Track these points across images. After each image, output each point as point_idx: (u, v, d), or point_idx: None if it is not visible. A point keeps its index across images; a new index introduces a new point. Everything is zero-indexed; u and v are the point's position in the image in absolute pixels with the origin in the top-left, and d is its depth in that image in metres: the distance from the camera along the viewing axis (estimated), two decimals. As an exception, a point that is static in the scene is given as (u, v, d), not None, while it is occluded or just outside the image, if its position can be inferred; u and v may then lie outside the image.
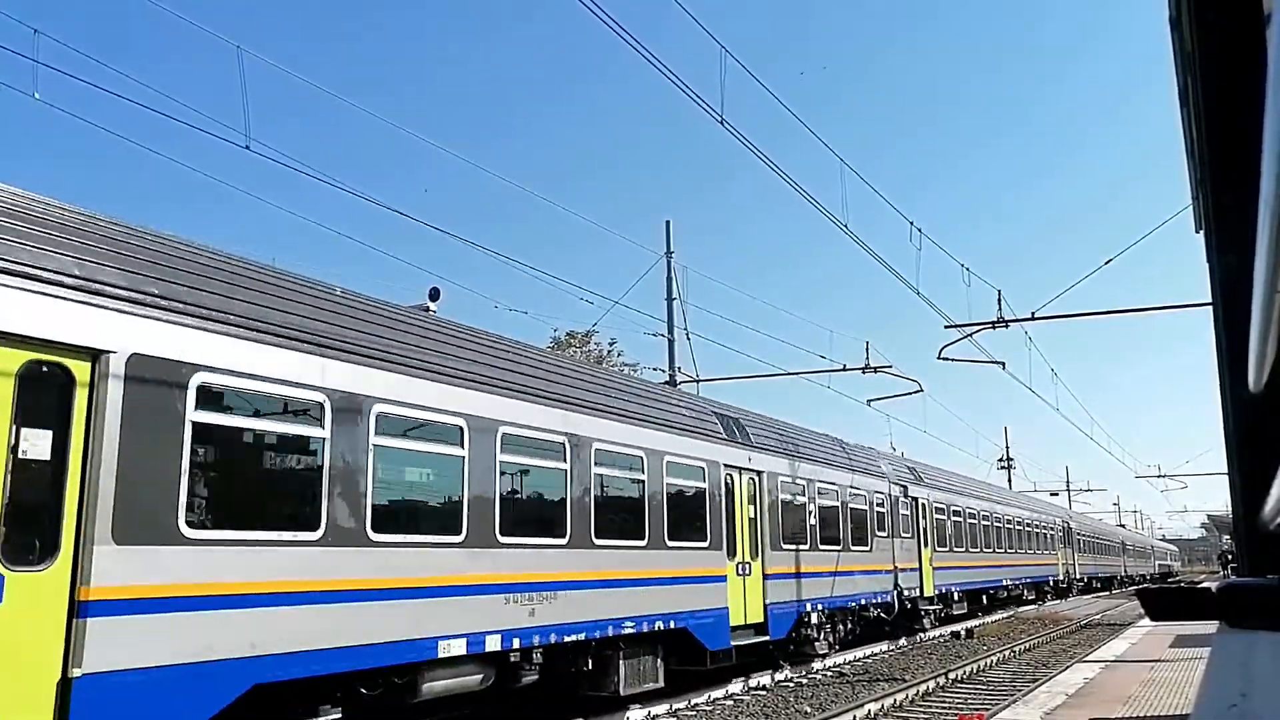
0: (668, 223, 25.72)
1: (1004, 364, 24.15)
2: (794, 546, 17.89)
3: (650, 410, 13.89)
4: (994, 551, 32.93)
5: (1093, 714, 10.83)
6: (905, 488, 24.77)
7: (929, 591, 25.55)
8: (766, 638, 16.30)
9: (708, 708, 14.56)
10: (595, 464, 12.25)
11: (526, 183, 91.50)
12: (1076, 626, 30.30)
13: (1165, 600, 2.85)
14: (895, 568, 23.28)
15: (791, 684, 17.23)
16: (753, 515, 16.59)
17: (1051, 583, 42.79)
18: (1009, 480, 60.41)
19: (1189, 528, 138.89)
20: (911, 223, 19.01)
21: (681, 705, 14.33)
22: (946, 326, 21.15)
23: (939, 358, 22.66)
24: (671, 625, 13.50)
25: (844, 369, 26.51)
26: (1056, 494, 72.27)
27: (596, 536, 12.08)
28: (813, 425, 25.69)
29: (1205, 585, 2.78)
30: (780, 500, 17.51)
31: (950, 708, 14.82)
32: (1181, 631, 19.50)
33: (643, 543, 13.12)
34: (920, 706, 15.13)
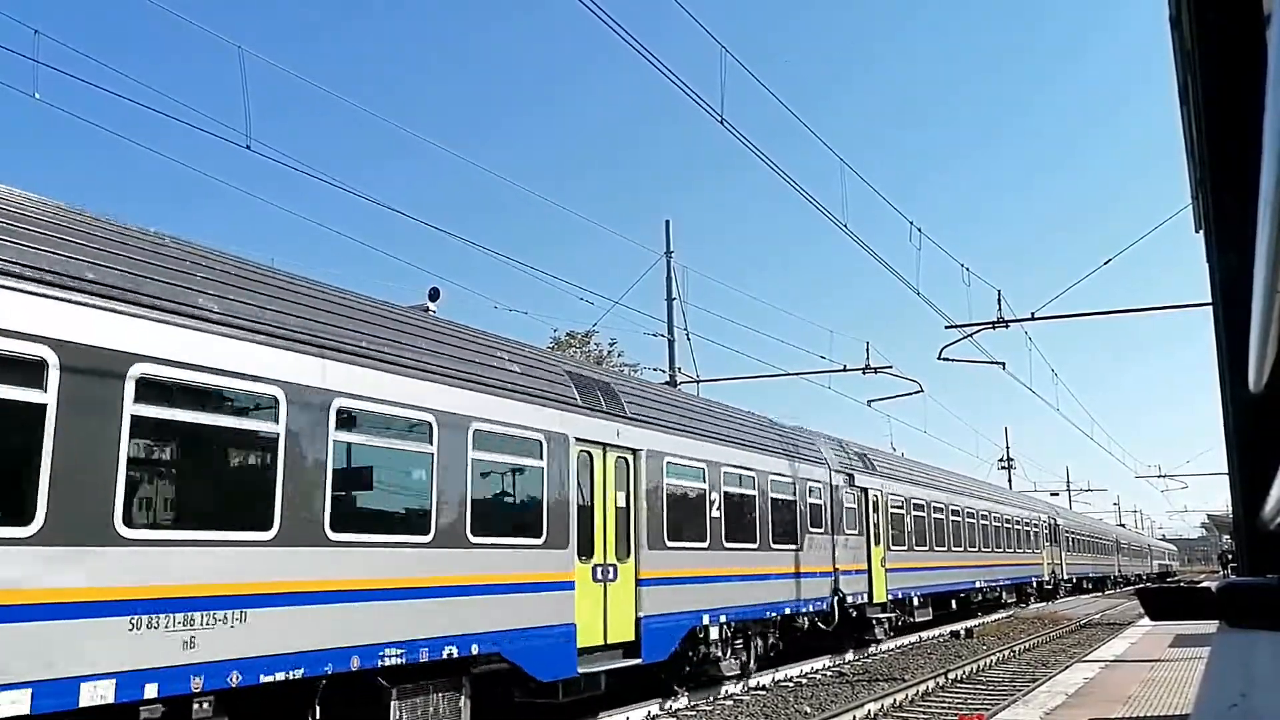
0: (667, 223, 25.18)
1: (1004, 364, 23.78)
2: (686, 545, 14.37)
3: (450, 361, 10.35)
4: (964, 550, 29.37)
5: (1093, 714, 10.69)
6: (851, 476, 21.24)
7: (880, 597, 22.00)
8: (638, 660, 12.80)
9: (708, 708, 14.36)
10: (338, 428, 8.72)
11: (526, 182, 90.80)
12: (1076, 626, 29.77)
13: (1165, 600, 2.89)
14: (835, 569, 19.78)
15: (791, 684, 17.11)
16: (623, 504, 13.09)
17: (1035, 584, 39.24)
18: (1009, 480, 60.37)
19: (1189, 528, 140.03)
20: (911, 222, 18.61)
21: (681, 705, 14.13)
22: (947, 327, 20.91)
23: (939, 358, 22.37)
24: (475, 650, 10.00)
25: (844, 369, 26.25)
26: (1057, 494, 72.79)
27: (335, 529, 8.55)
28: (813, 426, 23.25)
29: (1205, 585, 2.72)
30: (665, 486, 14.00)
31: (950, 708, 14.67)
32: (1181, 631, 19.28)
33: (426, 538, 9.59)
34: (920, 706, 14.95)
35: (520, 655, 10.63)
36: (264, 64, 39.75)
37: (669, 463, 14.14)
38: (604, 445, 12.75)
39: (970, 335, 21.48)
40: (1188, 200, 6.38)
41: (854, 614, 20.85)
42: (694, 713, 13.98)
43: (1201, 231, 3.89)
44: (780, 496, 17.73)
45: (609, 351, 41.55)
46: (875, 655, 21.69)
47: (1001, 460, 62.91)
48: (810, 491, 19.00)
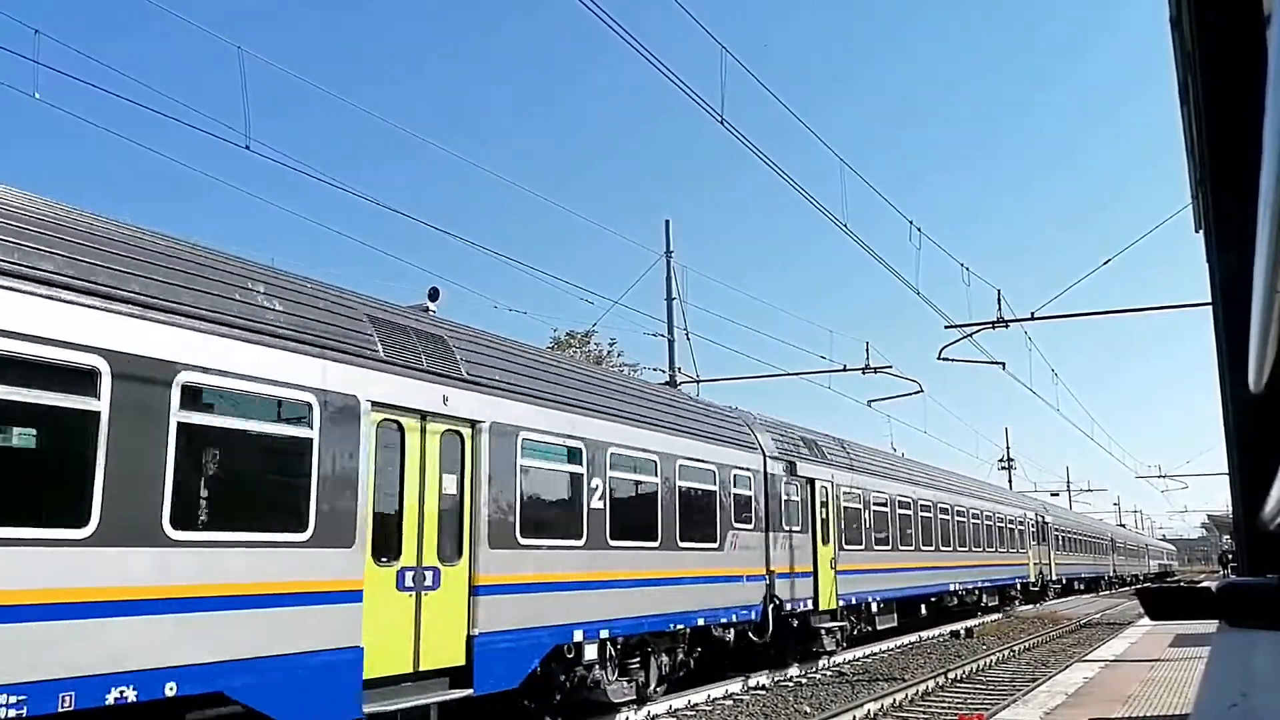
0: (667, 222, 25.04)
1: (1004, 364, 23.74)
2: (551, 542, 11.47)
3: (139, 282, 7.41)
4: (936, 550, 26.42)
5: (1092, 714, 10.66)
6: (792, 464, 18.32)
7: (828, 603, 19.08)
8: (469, 691, 9.89)
9: (707, 708, 14.26)
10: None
11: (526, 182, 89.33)
12: (1075, 626, 29.70)
13: (1165, 600, 2.92)
14: (770, 572, 16.88)
15: (791, 684, 16.94)
16: (453, 491, 10.18)
17: (1019, 586, 36.27)
18: (1009, 480, 60.05)
19: (1189, 528, 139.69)
20: (911, 222, 18.52)
21: (681, 705, 14.01)
22: (946, 326, 20.88)
23: (939, 358, 22.26)
24: (172, 691, 7.08)
25: (844, 369, 26.22)
26: (1057, 494, 72.80)
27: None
28: (813, 425, 21.84)
29: (1205, 585, 2.70)
30: (521, 470, 11.08)
31: (950, 708, 14.65)
32: (1181, 631, 19.23)
33: (80, 533, 6.66)
34: (920, 706, 14.91)
35: (258, 694, 7.71)
36: (264, 64, 39.00)
37: (526, 440, 11.23)
38: (423, 414, 9.84)
39: (970, 335, 21.17)
40: (1188, 200, 6.44)
41: (795, 623, 17.98)
42: (693, 712, 13.91)
43: (1201, 231, 3.91)
44: (694, 486, 14.82)
45: (609, 351, 41.42)
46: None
47: (1001, 460, 62.54)
48: (736, 481, 16.10)
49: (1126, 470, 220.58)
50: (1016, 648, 22.66)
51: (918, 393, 28.74)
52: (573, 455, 12.09)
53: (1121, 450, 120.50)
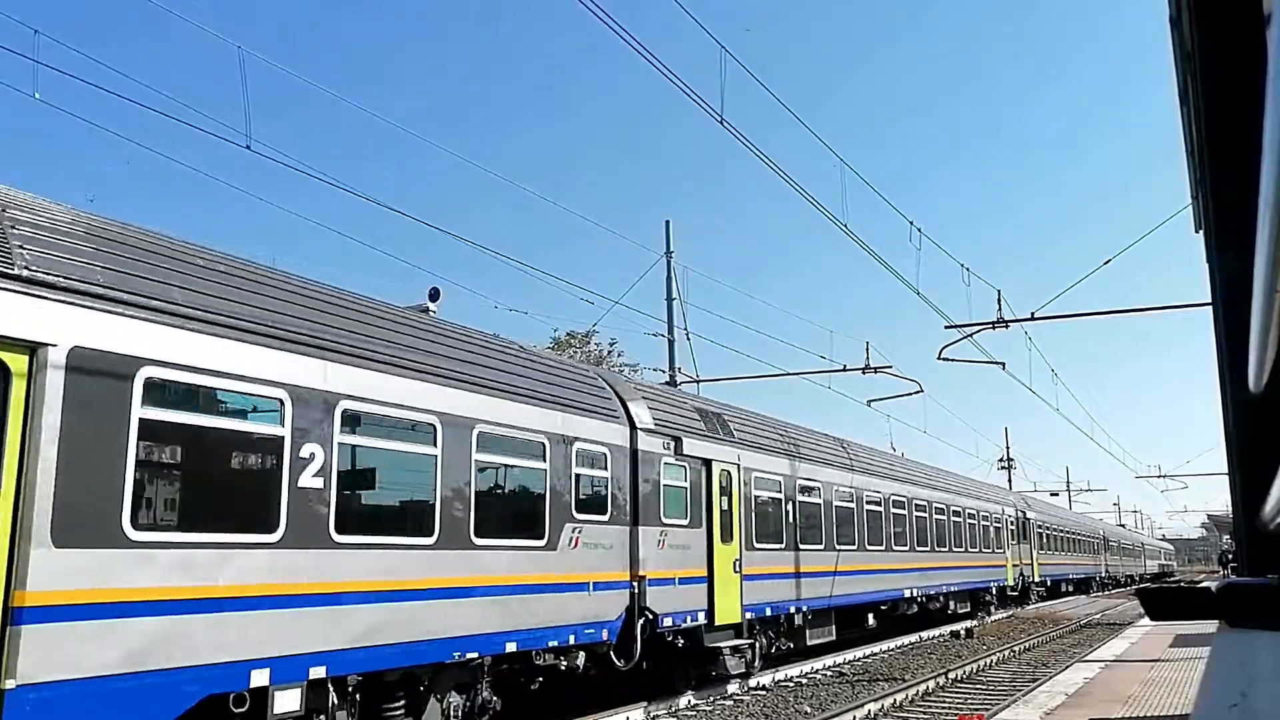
0: (667, 223, 25.03)
1: (1004, 364, 23.73)
2: (204, 537, 7.55)
3: None
4: (888, 550, 22.40)
5: (1092, 714, 10.65)
6: (677, 440, 14.41)
7: (730, 616, 15.16)
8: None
9: (708, 708, 14.16)
10: None
11: (526, 182, 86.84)
12: (1076, 626, 29.67)
13: (1165, 600, 2.92)
14: (638, 577, 12.99)
15: (791, 684, 16.79)
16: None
17: (995, 590, 32.29)
18: (1009, 480, 59.00)
19: (1189, 528, 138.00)
20: (911, 222, 18.73)
21: (682, 705, 13.95)
22: (946, 327, 20.91)
23: (939, 358, 22.21)
24: None
25: (844, 369, 26.10)
26: (1057, 493, 71.70)
27: None
28: (814, 425, 20.65)
29: (1205, 585, 2.74)
30: (140, 426, 7.13)
31: (950, 708, 14.60)
32: (1181, 631, 19.13)
33: None
34: (920, 706, 14.86)
35: None
36: (264, 64, 37.04)
37: (157, 380, 7.28)
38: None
39: (970, 335, 21.09)
40: (1188, 200, 6.51)
41: (681, 642, 14.11)
42: (694, 712, 13.81)
43: (1201, 231, 3.93)
44: (506, 462, 10.93)
45: (609, 351, 40.93)
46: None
47: (1001, 460, 61.66)
48: (582, 458, 12.18)
49: (1126, 470, 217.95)
50: (1017, 648, 22.42)
51: (917, 393, 28.33)
52: (263, 408, 8.17)
53: (1121, 450, 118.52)
